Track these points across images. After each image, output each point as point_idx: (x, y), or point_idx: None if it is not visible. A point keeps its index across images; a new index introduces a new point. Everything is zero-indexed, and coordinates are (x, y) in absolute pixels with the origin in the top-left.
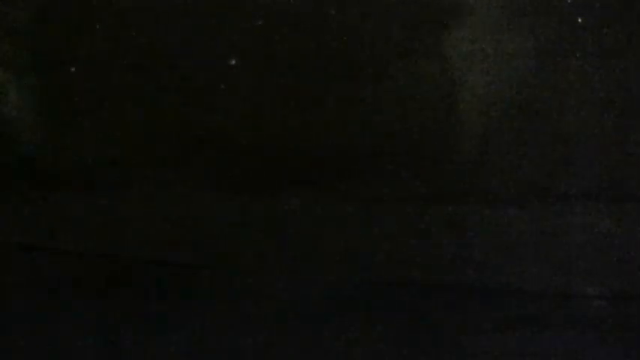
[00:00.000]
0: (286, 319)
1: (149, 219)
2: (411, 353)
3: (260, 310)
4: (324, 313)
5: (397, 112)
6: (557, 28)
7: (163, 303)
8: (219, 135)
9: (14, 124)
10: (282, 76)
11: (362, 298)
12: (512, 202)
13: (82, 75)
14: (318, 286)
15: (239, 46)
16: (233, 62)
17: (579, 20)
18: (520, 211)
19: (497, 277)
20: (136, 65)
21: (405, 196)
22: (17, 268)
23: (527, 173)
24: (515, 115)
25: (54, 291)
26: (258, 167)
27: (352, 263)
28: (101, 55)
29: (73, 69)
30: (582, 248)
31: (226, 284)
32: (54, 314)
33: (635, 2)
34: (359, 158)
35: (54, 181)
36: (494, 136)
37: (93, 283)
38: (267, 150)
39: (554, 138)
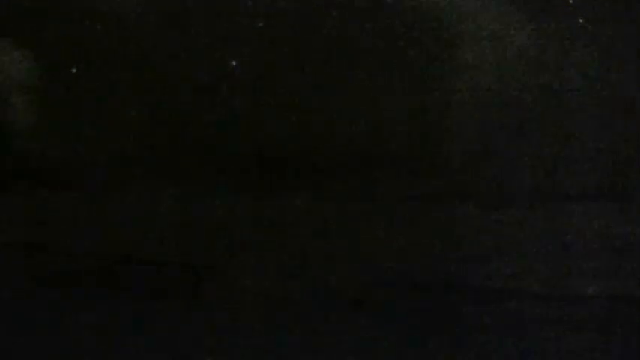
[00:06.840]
0: (287, 317)
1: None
2: (410, 352)
3: (258, 308)
4: (328, 312)
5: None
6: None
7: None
8: (220, 138)
9: (12, 124)
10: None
11: (365, 298)
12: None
13: (82, 76)
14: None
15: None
16: (234, 63)
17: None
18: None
19: (497, 277)
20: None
21: (406, 196)
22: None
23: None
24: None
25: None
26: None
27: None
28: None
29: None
30: (583, 248)
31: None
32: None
33: None
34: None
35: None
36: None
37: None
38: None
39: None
